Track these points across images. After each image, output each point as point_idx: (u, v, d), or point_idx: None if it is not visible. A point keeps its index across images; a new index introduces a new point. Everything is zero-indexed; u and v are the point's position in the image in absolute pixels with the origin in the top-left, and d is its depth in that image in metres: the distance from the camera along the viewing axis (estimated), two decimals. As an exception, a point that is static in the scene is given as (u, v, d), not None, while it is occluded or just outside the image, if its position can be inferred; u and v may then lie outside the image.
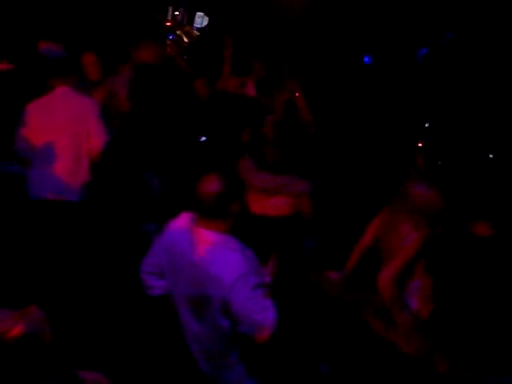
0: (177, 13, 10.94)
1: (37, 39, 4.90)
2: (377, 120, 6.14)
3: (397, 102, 6.45)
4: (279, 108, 4.77)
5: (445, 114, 6.26)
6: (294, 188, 3.64)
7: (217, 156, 4.45)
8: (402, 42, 7.17)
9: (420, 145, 4.15)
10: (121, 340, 3.38)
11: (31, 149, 3.83)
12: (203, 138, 4.89)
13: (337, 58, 6.90)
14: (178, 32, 9.19)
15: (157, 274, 2.69)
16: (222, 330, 2.45)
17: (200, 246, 2.46)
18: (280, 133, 3.64)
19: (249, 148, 3.99)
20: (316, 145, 4.43)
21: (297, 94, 4.46)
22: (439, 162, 4.58)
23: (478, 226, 2.80)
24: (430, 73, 7.12)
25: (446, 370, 2.49)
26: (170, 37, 9.00)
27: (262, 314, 2.38)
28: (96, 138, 3.88)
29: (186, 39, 9.06)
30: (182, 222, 2.63)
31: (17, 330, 1.95)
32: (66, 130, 3.83)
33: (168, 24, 9.49)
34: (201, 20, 10.29)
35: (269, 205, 3.61)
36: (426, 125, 6.19)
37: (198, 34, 9.40)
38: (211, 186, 2.44)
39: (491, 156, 5.00)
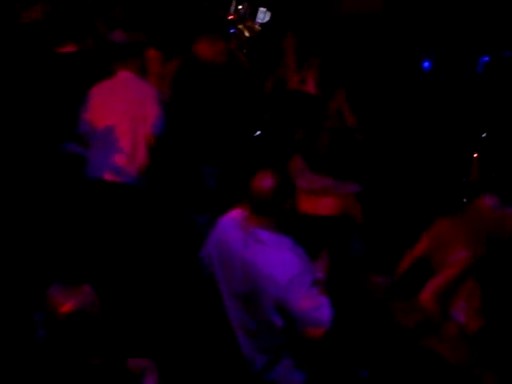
0: (240, 7, 10.96)
1: (101, 24, 4.99)
2: (433, 127, 6.03)
3: (455, 110, 6.31)
4: (333, 114, 4.75)
5: (503, 126, 6.10)
6: (342, 189, 3.63)
7: (269, 152, 4.45)
8: (464, 49, 7.00)
9: (475, 155, 4.08)
10: (170, 328, 3.38)
11: (92, 131, 3.92)
12: (258, 133, 4.89)
13: (397, 60, 6.80)
14: (239, 26, 9.19)
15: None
16: (274, 327, 2.44)
17: (253, 244, 2.44)
18: (335, 138, 3.64)
19: (301, 148, 3.99)
20: (366, 149, 4.40)
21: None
22: (493, 175, 4.49)
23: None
24: (490, 82, 6.94)
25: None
26: (232, 30, 9.01)
27: (318, 311, 2.36)
28: (152, 123, 3.92)
29: (247, 33, 9.07)
30: (233, 218, 2.63)
31: (68, 306, 2.01)
32: (125, 114, 3.90)
33: (231, 17, 9.51)
34: (263, 15, 10.27)
35: (317, 205, 3.61)
36: (483, 135, 6.04)
37: (260, 29, 9.40)
38: (266, 182, 2.42)
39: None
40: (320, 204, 3.63)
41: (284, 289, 2.32)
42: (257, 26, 9.60)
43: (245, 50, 7.64)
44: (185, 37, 4.89)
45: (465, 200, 4.45)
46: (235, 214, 2.64)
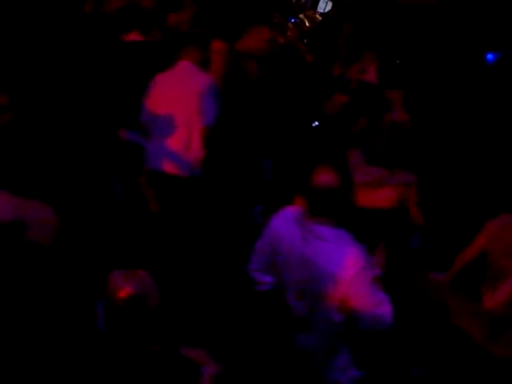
0: (301, -4, 10.89)
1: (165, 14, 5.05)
2: (495, 120, 5.88)
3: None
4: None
5: None
6: (397, 180, 3.60)
7: (327, 145, 4.42)
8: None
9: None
10: (225, 322, 3.38)
11: (151, 121, 3.99)
12: (316, 123, 4.86)
13: (460, 54, 6.65)
14: (300, 16, 9.15)
15: (264, 270, 2.66)
16: (334, 324, 2.41)
17: (312, 240, 2.39)
18: (396, 132, 3.60)
19: (359, 139, 3.95)
20: (424, 141, 4.34)
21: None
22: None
23: None
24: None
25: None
26: (292, 20, 8.96)
27: (380, 307, 2.33)
28: (207, 114, 3.94)
29: (307, 23, 9.00)
30: (288, 216, 2.56)
31: (126, 291, 2.06)
32: (180, 105, 3.93)
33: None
34: (324, 5, 10.20)
35: (373, 197, 3.58)
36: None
37: (321, 18, 9.31)
38: (326, 178, 2.36)
39: None
40: (376, 196, 3.60)
41: (348, 285, 2.28)
42: (317, 16, 9.52)
43: (305, 40, 7.60)
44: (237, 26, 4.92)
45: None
46: (289, 212, 2.58)
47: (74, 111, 3.91)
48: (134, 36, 4.26)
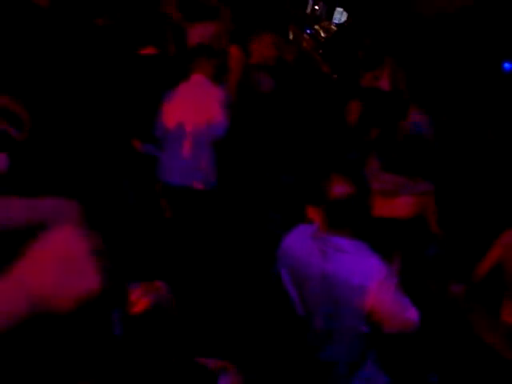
0: (316, 7, 10.93)
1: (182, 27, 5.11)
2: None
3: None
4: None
5: None
6: (414, 188, 3.57)
7: (343, 153, 4.40)
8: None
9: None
10: (244, 332, 3.37)
11: (164, 135, 4.04)
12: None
13: (477, 63, 6.61)
14: (316, 27, 9.19)
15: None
16: (361, 336, 2.38)
17: (333, 254, 2.34)
18: (412, 140, 3.58)
19: (375, 147, 3.94)
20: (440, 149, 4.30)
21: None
22: None
23: None
24: None
25: None
26: (308, 31, 9.01)
27: (407, 312, 2.31)
28: (216, 127, 3.97)
29: (323, 34, 9.04)
30: (300, 233, 2.53)
31: (143, 303, 2.07)
32: (190, 119, 3.96)
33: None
34: (340, 16, 10.21)
35: (391, 206, 3.56)
36: None
37: (336, 29, 9.35)
38: (342, 189, 2.29)
39: None
40: (394, 205, 3.57)
41: (374, 296, 2.24)
42: (333, 27, 9.55)
43: (321, 51, 7.63)
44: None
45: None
46: (301, 229, 2.53)
47: (88, 121, 3.96)
48: (149, 50, 4.31)
